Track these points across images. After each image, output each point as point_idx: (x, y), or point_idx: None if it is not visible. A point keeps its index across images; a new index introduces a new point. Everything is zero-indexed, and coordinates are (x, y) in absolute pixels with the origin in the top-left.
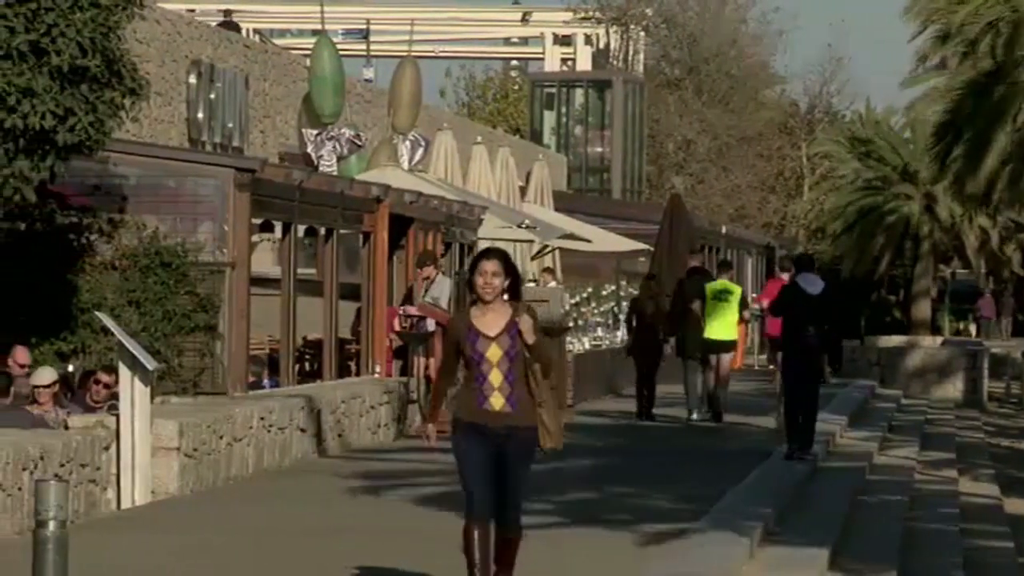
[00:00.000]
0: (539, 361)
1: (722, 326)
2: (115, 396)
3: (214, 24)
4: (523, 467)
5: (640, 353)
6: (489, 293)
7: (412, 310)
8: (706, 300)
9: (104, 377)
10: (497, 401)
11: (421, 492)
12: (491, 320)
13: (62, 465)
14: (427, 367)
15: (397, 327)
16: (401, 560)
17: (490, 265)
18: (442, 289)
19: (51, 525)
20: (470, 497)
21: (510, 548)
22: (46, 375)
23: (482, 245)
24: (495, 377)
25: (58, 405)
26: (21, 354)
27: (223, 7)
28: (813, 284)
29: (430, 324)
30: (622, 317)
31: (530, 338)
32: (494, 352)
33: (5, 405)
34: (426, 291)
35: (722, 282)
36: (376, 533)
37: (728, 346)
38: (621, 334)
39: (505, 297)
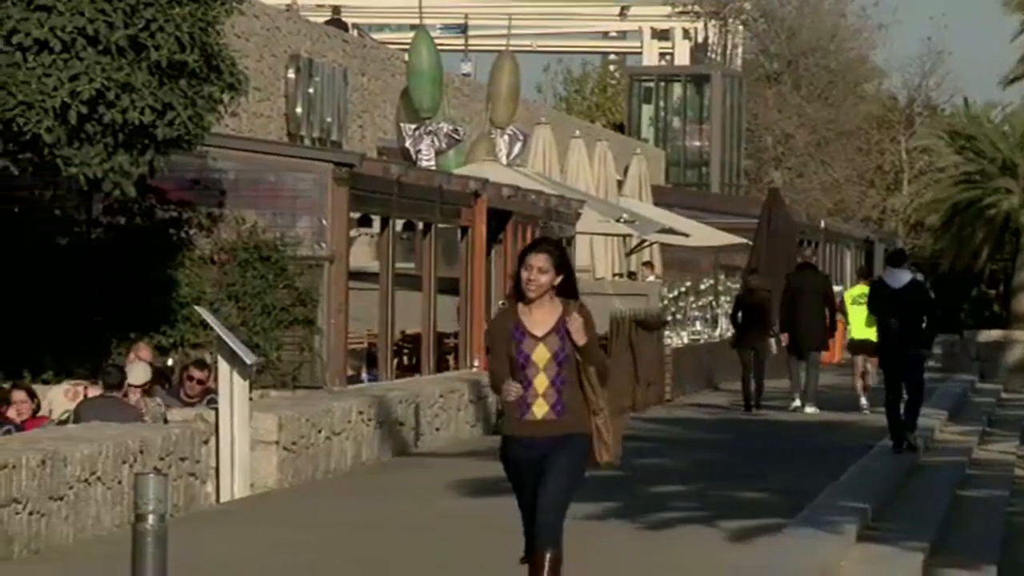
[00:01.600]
0: (593, 364)
1: (862, 327)
2: (209, 391)
3: (321, 21)
4: (566, 476)
5: (744, 347)
6: (533, 290)
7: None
8: (844, 303)
9: (196, 372)
10: (540, 409)
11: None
12: (539, 318)
13: (162, 459)
14: None
15: None
16: (498, 556)
17: (537, 260)
18: None
19: (150, 518)
20: (527, 527)
21: (544, 570)
22: (140, 375)
23: (580, 240)
24: (540, 382)
25: (151, 398)
26: (144, 351)
27: (330, 2)
28: (897, 279)
29: None
30: (720, 311)
31: (580, 339)
32: (541, 354)
33: (114, 399)
34: None
35: (861, 287)
36: (473, 529)
37: (869, 347)
38: (720, 328)
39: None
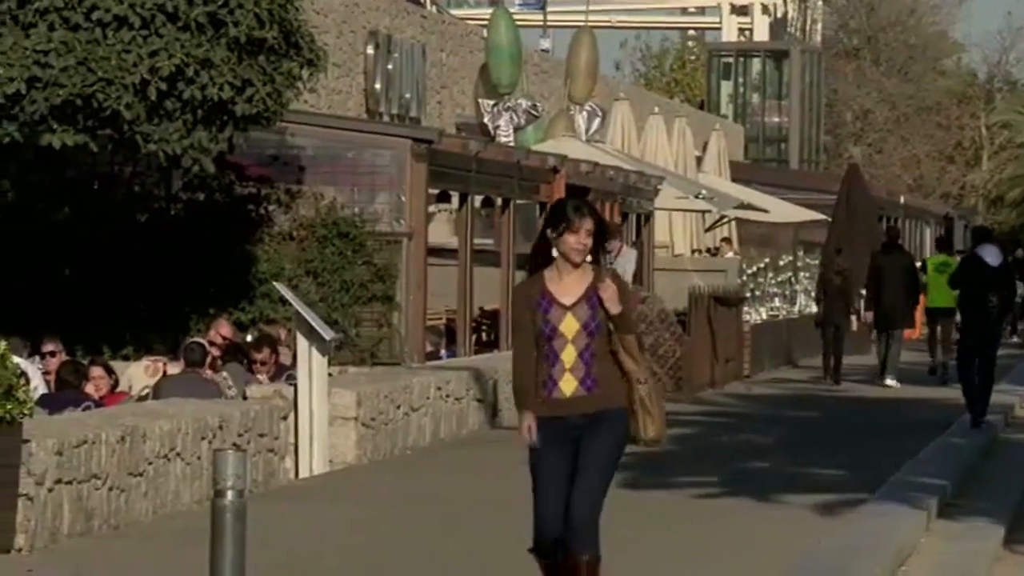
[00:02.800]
0: (630, 333)
1: (943, 295)
2: (283, 368)
3: None
4: (602, 467)
5: (827, 324)
6: (580, 254)
7: None
8: (927, 272)
9: (257, 354)
10: (568, 385)
11: None
12: (568, 285)
13: (240, 435)
14: None
15: None
16: None
17: (585, 223)
18: (627, 262)
19: (229, 494)
20: (539, 523)
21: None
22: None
23: (659, 216)
24: (568, 355)
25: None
26: (224, 327)
27: None
28: (993, 255)
29: None
30: (799, 288)
31: (615, 307)
32: (569, 324)
33: (195, 376)
34: (610, 264)
35: (941, 256)
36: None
37: (950, 312)
38: (799, 305)
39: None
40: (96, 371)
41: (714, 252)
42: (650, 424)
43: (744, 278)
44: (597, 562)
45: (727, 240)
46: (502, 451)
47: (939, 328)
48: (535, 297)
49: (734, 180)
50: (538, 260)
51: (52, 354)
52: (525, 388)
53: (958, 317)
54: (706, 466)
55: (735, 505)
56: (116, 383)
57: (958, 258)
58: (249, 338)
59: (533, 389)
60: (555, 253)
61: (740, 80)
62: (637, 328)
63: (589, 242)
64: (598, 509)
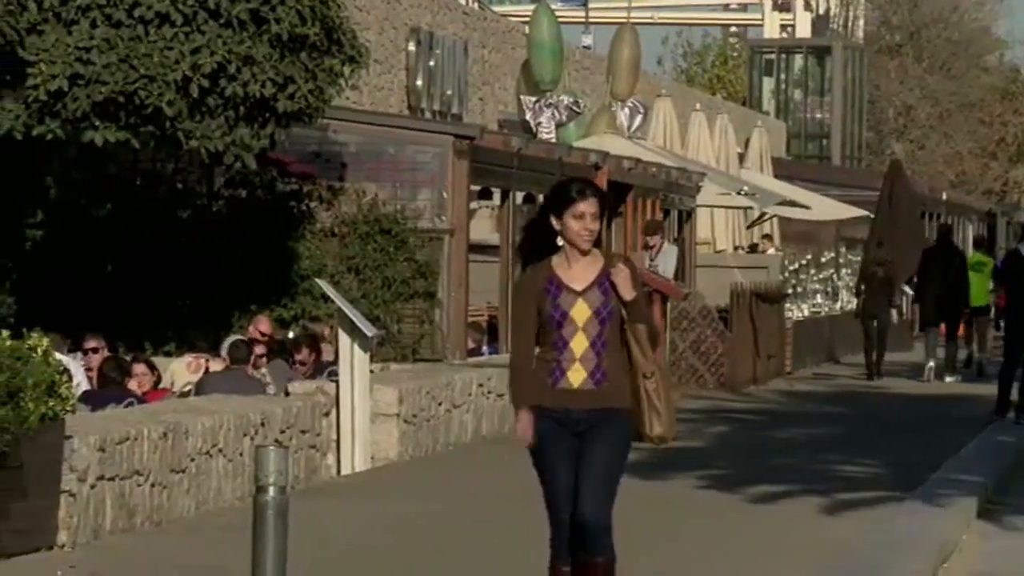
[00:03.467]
0: (642, 322)
1: (978, 293)
2: (324, 365)
3: None
4: (609, 468)
5: (867, 317)
6: (587, 239)
7: None
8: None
9: (297, 355)
10: (576, 375)
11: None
12: (579, 271)
13: (283, 431)
14: None
15: None
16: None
17: (589, 206)
18: (668, 259)
19: (271, 491)
20: (557, 528)
21: None
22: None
23: (701, 213)
24: (578, 343)
25: (260, 371)
26: (264, 323)
27: None
28: None
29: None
30: (841, 284)
31: (628, 293)
32: (580, 310)
33: (238, 373)
34: (651, 260)
35: (977, 255)
36: None
37: (985, 311)
38: (841, 301)
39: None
40: (139, 368)
41: (752, 248)
42: (656, 421)
43: (786, 275)
44: (613, 563)
45: (768, 237)
46: None
47: (975, 325)
48: (541, 283)
49: (776, 176)
50: (534, 246)
51: (95, 351)
52: (522, 386)
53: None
54: (747, 462)
55: (775, 501)
56: (159, 380)
57: (993, 256)
58: (291, 335)
59: (531, 387)
60: (560, 241)
61: (782, 76)
62: (650, 318)
63: (596, 226)
64: (609, 511)
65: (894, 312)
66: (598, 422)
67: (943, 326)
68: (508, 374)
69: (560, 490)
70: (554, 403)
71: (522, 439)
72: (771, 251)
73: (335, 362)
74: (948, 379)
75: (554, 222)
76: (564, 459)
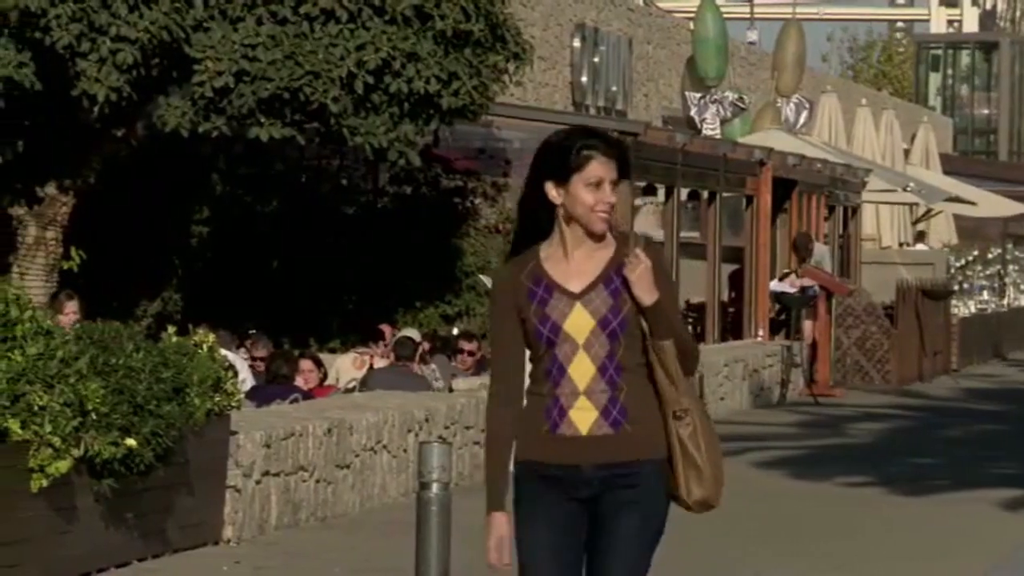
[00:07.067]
0: (669, 336)
1: None
2: (481, 362)
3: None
4: (640, 542)
5: None
6: (604, 219)
7: (792, 283)
8: None
9: (467, 345)
10: (584, 416)
11: (777, 455)
12: (578, 264)
13: (447, 427)
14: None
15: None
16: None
17: (607, 167)
18: (823, 259)
19: (435, 487)
20: None
21: None
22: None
23: (866, 209)
24: (580, 369)
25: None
26: (385, 331)
27: None
28: None
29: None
30: (1008, 281)
31: (647, 295)
32: (578, 321)
33: (403, 369)
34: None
35: None
36: (763, 498)
37: None
38: (1008, 298)
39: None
40: (306, 364)
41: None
42: (695, 480)
43: (952, 271)
44: None
45: (922, 234)
46: None
47: None
48: (525, 283)
49: (943, 173)
50: (529, 234)
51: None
52: (499, 466)
53: None
54: (914, 459)
55: (943, 498)
56: (324, 376)
57: None
58: (455, 331)
59: (513, 440)
60: (561, 219)
61: (949, 72)
62: (682, 330)
63: (615, 199)
64: None
65: None
66: (619, 483)
67: None
68: (486, 421)
69: (544, 571)
70: (553, 457)
71: (495, 566)
72: (921, 247)
73: (481, 362)
74: None
75: (552, 192)
76: (553, 554)
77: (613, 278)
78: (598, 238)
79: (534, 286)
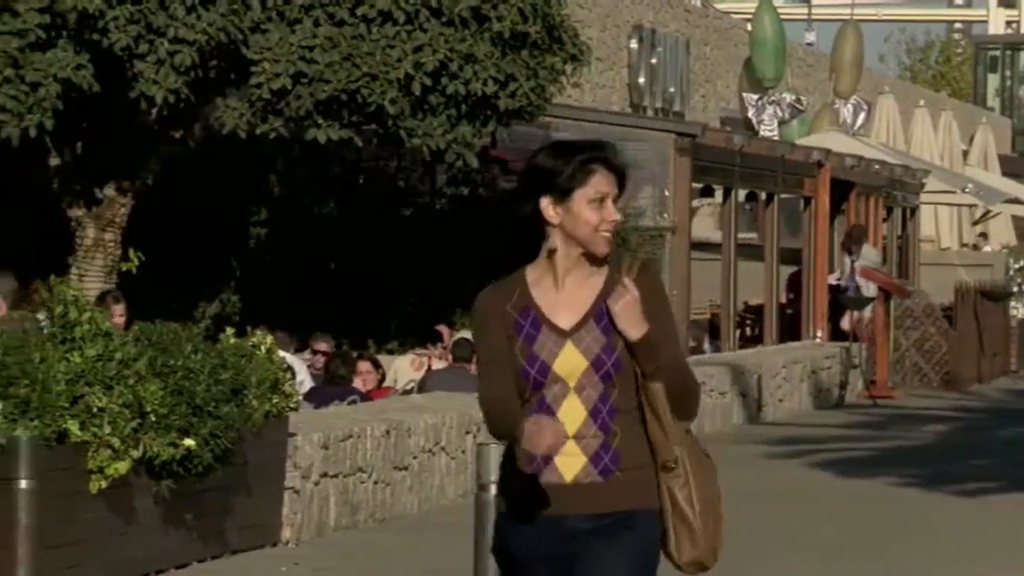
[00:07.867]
0: (658, 377)
1: None
2: None
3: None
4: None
5: None
6: (608, 241)
7: (834, 277)
8: None
9: None
10: (571, 463)
11: (842, 456)
12: (569, 294)
13: None
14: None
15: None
16: (852, 532)
17: (609, 182)
18: (870, 256)
19: (492, 488)
20: None
21: None
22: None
23: (925, 210)
24: (571, 413)
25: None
26: (443, 332)
27: None
28: None
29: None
30: None
31: (634, 329)
32: (569, 361)
33: (461, 370)
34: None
35: None
36: (818, 501)
37: None
38: None
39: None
40: (364, 365)
41: (984, 238)
42: (687, 541)
43: (1011, 272)
44: None
45: (984, 235)
46: (764, 447)
47: None
48: (511, 314)
49: (1003, 174)
50: (517, 248)
51: (324, 353)
52: (502, 405)
53: None
54: (974, 460)
55: (1003, 500)
56: (383, 377)
57: None
58: None
59: (517, 400)
60: (553, 242)
61: (1007, 73)
62: (679, 365)
63: (619, 218)
64: None
65: None
66: (607, 533)
67: None
68: (484, 417)
69: None
70: (533, 505)
71: (554, 444)
72: (986, 248)
73: None
74: None
75: (548, 210)
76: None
77: (604, 313)
78: (598, 261)
79: (521, 318)
